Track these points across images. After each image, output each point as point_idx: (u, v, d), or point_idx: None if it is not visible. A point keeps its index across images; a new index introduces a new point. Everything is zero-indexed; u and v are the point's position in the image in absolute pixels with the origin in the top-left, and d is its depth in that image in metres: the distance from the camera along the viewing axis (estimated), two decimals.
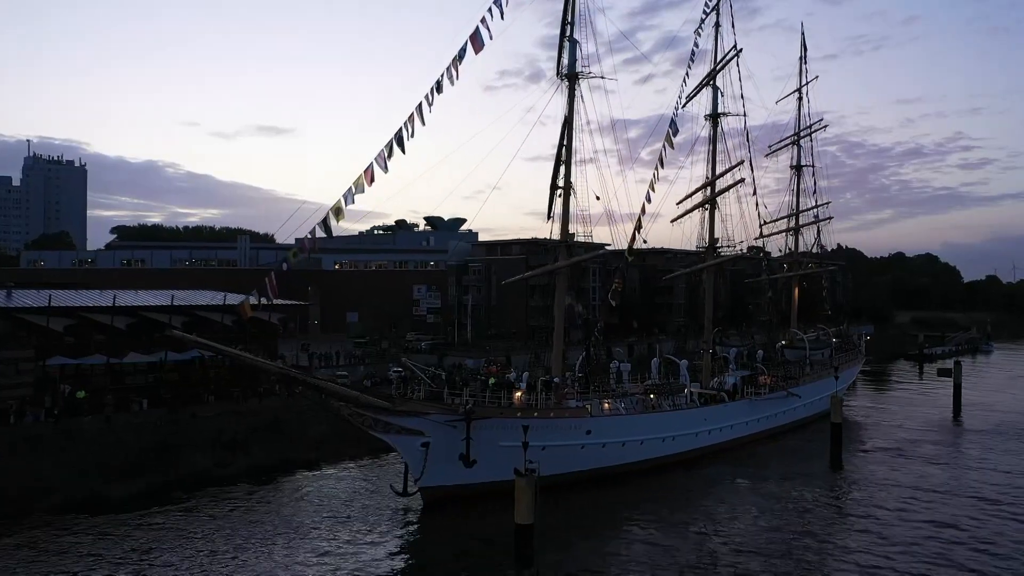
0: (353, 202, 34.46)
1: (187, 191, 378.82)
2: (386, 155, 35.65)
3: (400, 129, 36.32)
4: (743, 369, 58.63)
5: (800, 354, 63.11)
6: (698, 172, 58.54)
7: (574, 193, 44.81)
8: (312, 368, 63.60)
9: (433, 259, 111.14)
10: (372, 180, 35.26)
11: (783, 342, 68.39)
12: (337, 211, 33.87)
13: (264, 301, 32.44)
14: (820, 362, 63.74)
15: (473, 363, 68.28)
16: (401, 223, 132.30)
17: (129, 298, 57.64)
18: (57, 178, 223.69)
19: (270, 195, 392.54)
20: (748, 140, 60.40)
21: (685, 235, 60.76)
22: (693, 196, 58.92)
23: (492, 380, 40.90)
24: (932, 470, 45.65)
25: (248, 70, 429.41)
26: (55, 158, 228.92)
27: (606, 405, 43.76)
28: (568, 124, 42.96)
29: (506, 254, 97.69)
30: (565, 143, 44.20)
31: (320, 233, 33.38)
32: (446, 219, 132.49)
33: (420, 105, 37.09)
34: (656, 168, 54.26)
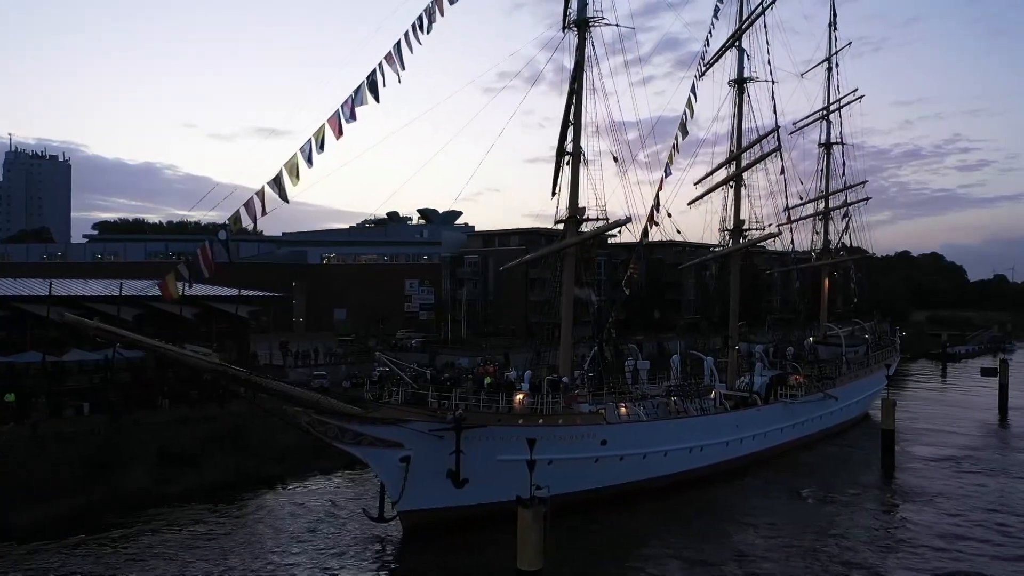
0: (311, 164, 27.61)
1: (186, 193, 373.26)
2: (354, 101, 28.80)
3: (374, 71, 29.48)
4: (770, 368, 51.77)
5: (835, 351, 56.25)
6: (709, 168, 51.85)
7: (584, 161, 38.00)
8: (287, 367, 56.69)
9: (427, 252, 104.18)
10: (339, 133, 28.48)
11: (811, 338, 61.47)
12: (292, 170, 26.98)
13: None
14: (857, 360, 56.88)
15: (468, 362, 61.37)
16: (393, 216, 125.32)
17: (73, 287, 50.71)
18: (39, 173, 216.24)
19: (270, 197, 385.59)
20: (775, 111, 53.47)
21: (706, 221, 53.97)
22: (715, 174, 52.16)
23: (488, 380, 33.96)
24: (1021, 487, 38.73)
25: (245, 72, 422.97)
26: (38, 153, 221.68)
27: (623, 410, 36.88)
28: (579, 68, 36.09)
29: (504, 245, 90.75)
30: (574, 100, 37.36)
31: (273, 196, 26.50)
32: (440, 212, 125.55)
33: (399, 44, 30.28)
34: (676, 138, 47.62)
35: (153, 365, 47.91)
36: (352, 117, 28.68)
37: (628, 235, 42.56)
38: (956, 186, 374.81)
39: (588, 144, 37.94)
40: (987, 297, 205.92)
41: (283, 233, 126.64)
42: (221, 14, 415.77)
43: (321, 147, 28.07)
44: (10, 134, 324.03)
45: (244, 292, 54.53)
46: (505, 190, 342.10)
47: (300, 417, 27.53)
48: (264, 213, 26.33)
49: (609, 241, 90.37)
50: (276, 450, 41.02)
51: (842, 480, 40.20)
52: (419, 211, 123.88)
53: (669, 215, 41.36)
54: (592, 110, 36.84)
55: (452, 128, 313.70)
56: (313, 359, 61.73)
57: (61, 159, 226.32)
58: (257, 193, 26.22)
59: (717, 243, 54.50)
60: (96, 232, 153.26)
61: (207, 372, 24.96)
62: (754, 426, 42.76)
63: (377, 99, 29.52)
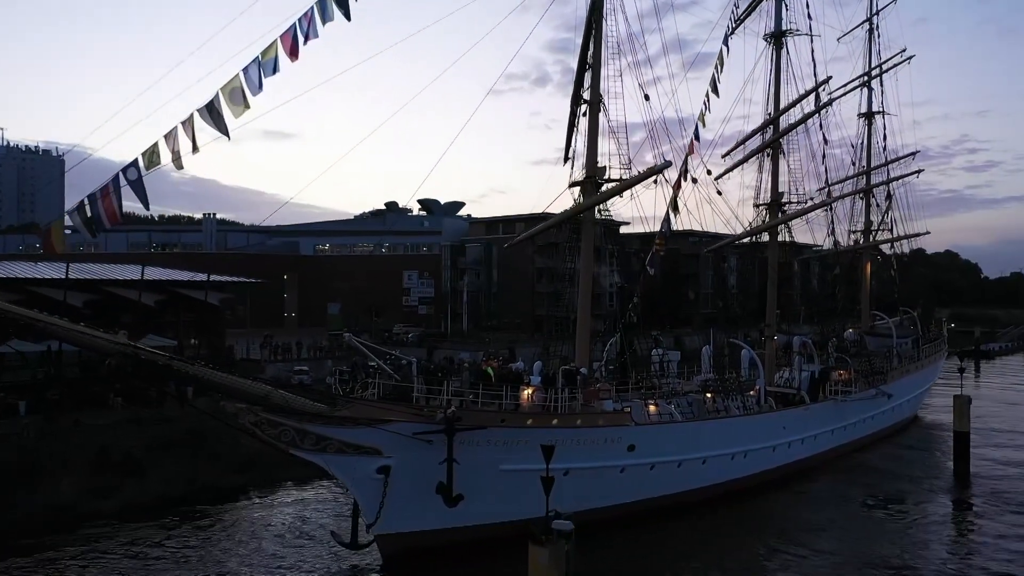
0: (261, 88, 21.36)
1: (193, 195, 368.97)
2: (318, 14, 22.55)
3: None
4: (809, 362, 45.23)
5: (885, 343, 49.76)
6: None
7: (604, 111, 31.69)
8: (263, 361, 50.52)
9: (426, 242, 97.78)
10: (294, 55, 22.25)
11: (850, 330, 54.96)
12: (233, 94, 20.69)
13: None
14: (907, 354, 50.37)
15: (468, 356, 55.04)
16: (392, 206, 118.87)
17: (16, 270, 44.71)
18: (32, 168, 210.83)
19: (274, 199, 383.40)
20: (815, 71, 46.98)
21: (741, 195, 47.44)
22: (747, 142, 45.76)
23: (489, 371, 27.61)
24: None
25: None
26: (31, 148, 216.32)
27: (652, 408, 30.51)
28: None
29: (509, 232, 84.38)
30: (593, 32, 31.09)
31: (206, 125, 20.23)
32: (442, 202, 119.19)
33: None
34: (706, 96, 41.43)
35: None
36: (315, 34, 22.44)
37: (642, 225, 36.75)
38: (964, 187, 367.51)
39: (609, 89, 31.67)
40: (1007, 295, 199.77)
41: (276, 225, 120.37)
42: (229, 18, 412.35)
43: (274, 69, 21.79)
44: (2, 129, 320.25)
45: (214, 277, 48.34)
46: (511, 192, 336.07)
47: (244, 416, 21.23)
48: (195, 149, 20.04)
49: (621, 230, 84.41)
50: (241, 456, 34.69)
51: (913, 492, 33.86)
52: (419, 201, 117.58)
53: (709, 172, 35.01)
54: (613, 38, 30.52)
55: (455, 125, 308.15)
56: (296, 353, 55.48)
57: (55, 154, 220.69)
58: (184, 122, 19.94)
59: (748, 224, 47.86)
60: None
61: (111, 356, 18.86)
62: (803, 428, 36.41)
63: (347, 15, 23.29)
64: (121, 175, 19.05)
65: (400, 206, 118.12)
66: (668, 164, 28.78)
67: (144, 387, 39.95)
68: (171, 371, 19.63)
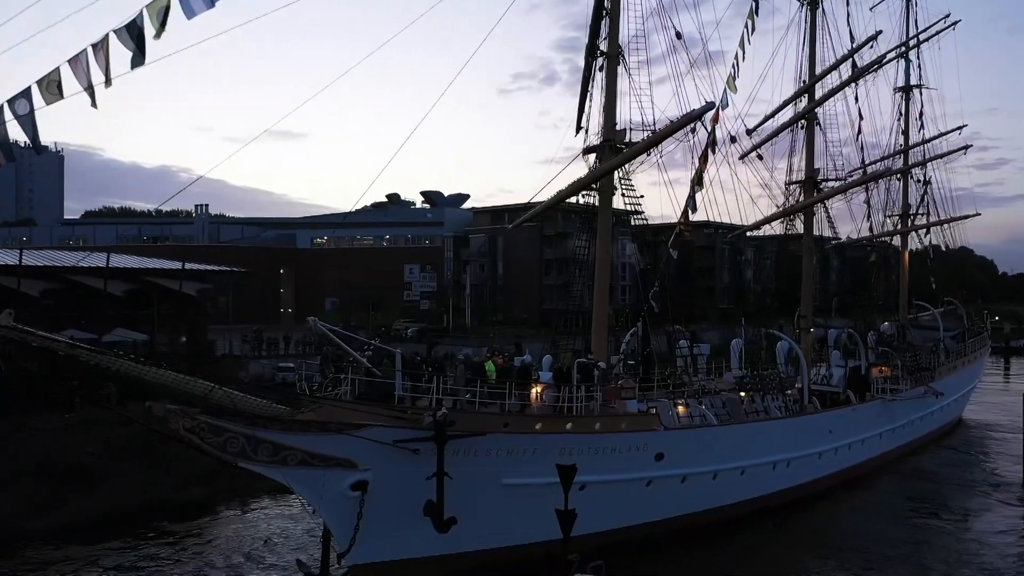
0: (193, 13, 16.95)
1: (200, 195, 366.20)
2: None
3: None
4: (851, 356, 40.65)
5: (931, 336, 45.20)
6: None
7: (624, 65, 27.26)
8: (244, 356, 46.23)
9: (428, 234, 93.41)
10: None
11: (885, 323, 50.30)
12: (163, 14, 16.29)
13: None
14: (955, 349, 45.77)
15: (471, 352, 50.58)
16: (393, 198, 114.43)
17: None
18: (30, 164, 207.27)
19: (282, 199, 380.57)
20: (852, 37, 42.41)
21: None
22: (778, 114, 41.21)
23: (489, 365, 23.14)
24: None
25: (260, 76, 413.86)
26: (28, 144, 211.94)
27: (681, 409, 26.08)
28: None
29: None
30: None
31: (123, 48, 15.86)
32: (446, 195, 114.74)
33: None
34: (736, 59, 36.81)
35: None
36: None
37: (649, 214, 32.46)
38: (974, 185, 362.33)
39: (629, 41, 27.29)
40: None
41: (272, 218, 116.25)
42: (232, 18, 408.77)
43: None
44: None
45: (191, 266, 44.03)
46: (518, 191, 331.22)
47: (176, 421, 16.88)
48: (108, 81, 15.68)
49: (633, 221, 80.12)
50: (207, 464, 30.31)
51: (981, 502, 29.53)
52: (422, 193, 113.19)
53: (749, 133, 30.50)
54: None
55: (463, 124, 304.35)
56: (283, 349, 51.18)
57: (53, 150, 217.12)
58: (96, 45, 15.57)
59: (780, 206, 43.16)
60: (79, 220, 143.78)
61: None
62: (852, 431, 31.90)
63: None
64: (7, 108, 14.74)
65: (402, 198, 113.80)
66: (710, 106, 24.25)
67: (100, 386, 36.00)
68: (76, 362, 15.34)
